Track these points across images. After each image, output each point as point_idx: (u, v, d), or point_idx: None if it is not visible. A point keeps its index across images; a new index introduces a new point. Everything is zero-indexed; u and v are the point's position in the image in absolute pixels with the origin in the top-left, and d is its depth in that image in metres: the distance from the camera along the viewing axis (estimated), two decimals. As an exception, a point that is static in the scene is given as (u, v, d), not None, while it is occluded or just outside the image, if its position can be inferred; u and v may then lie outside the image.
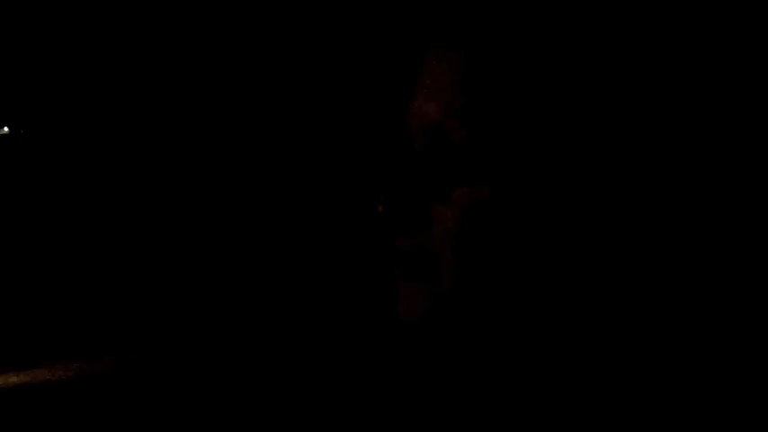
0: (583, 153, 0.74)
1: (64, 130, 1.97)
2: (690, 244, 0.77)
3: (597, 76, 0.74)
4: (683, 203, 0.77)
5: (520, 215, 0.75)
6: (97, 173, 1.96)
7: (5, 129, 1.97)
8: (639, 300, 0.77)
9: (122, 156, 1.98)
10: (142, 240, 1.97)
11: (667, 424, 0.74)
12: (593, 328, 0.77)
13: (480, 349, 0.82)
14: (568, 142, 0.74)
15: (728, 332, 0.76)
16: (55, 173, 1.96)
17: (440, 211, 0.76)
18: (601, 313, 0.77)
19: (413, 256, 0.77)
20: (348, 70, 1.89)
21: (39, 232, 1.94)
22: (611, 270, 0.76)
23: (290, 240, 1.96)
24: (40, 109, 1.98)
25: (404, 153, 0.80)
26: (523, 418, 0.79)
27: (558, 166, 0.74)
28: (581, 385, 0.77)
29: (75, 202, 1.96)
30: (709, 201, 0.77)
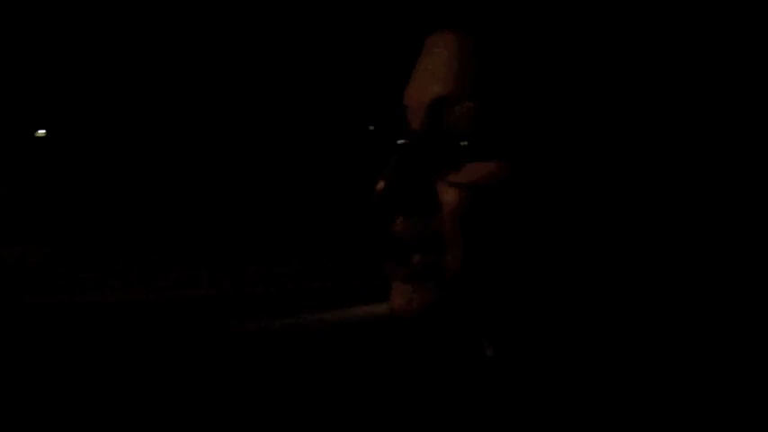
0: (589, 136, 0.73)
1: (98, 132, 2.03)
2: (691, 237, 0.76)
3: (603, 65, 0.73)
4: (682, 200, 0.76)
5: (525, 197, 0.73)
6: (141, 168, 2.01)
7: (43, 131, 2.03)
8: (646, 288, 0.75)
9: (162, 153, 2.02)
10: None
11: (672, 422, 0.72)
12: (600, 316, 0.75)
13: (482, 341, 0.80)
14: (574, 127, 0.73)
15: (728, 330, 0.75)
16: (92, 170, 2.01)
17: (441, 192, 0.74)
18: (607, 299, 0.75)
19: (412, 242, 0.74)
20: (347, 54, 1.92)
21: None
22: (617, 255, 0.75)
23: (288, 229, 1.98)
24: (75, 112, 2.04)
25: (404, 133, 0.78)
26: (528, 413, 0.77)
27: (564, 150, 0.73)
28: (587, 379, 0.75)
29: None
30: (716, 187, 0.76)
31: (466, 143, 0.72)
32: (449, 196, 0.73)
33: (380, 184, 0.75)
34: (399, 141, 0.77)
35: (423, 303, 0.74)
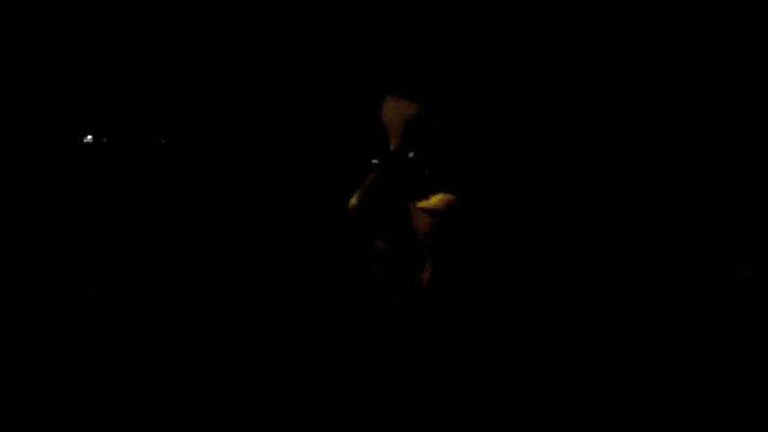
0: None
1: (146, 137, 2.07)
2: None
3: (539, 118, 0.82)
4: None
5: (487, 220, 0.77)
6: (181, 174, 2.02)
7: (89, 137, 2.06)
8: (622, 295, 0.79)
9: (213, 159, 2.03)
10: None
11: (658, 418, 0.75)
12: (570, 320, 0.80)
13: (456, 338, 0.83)
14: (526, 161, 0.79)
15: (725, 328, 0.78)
16: (139, 177, 2.05)
17: (414, 215, 0.77)
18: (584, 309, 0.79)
19: (391, 255, 0.78)
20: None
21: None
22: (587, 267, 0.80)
23: (276, 236, 1.95)
24: (122, 118, 2.08)
25: (381, 159, 0.81)
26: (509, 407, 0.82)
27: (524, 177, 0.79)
28: (586, 379, 0.79)
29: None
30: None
31: (430, 171, 0.77)
32: (421, 220, 0.77)
33: (353, 201, 0.78)
34: (374, 161, 0.81)
35: (400, 304, 0.78)
